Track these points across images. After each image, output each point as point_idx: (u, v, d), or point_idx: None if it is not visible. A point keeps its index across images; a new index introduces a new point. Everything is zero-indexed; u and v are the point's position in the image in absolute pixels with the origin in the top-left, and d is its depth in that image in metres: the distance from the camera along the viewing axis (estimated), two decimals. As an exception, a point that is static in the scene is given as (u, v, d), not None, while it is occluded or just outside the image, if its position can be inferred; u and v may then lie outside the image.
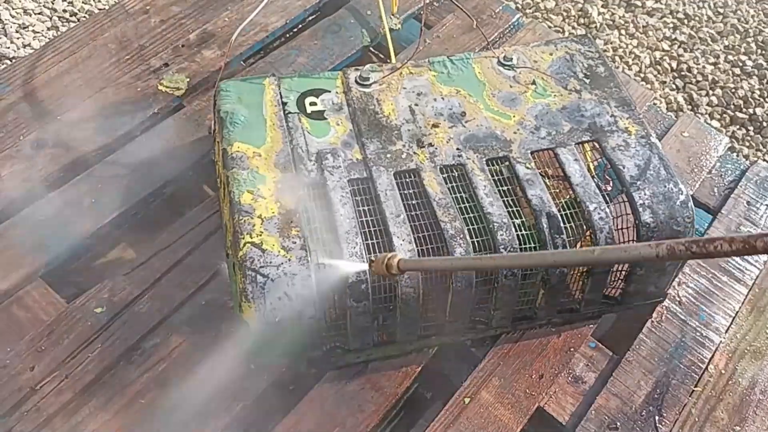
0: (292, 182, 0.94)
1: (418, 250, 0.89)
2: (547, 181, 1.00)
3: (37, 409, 0.93)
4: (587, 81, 1.11)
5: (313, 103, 1.05)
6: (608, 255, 0.62)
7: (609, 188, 1.05)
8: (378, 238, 0.91)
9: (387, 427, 1.02)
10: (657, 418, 0.99)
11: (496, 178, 0.99)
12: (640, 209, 0.95)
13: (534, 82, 1.10)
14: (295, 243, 0.88)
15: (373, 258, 0.82)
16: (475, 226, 0.93)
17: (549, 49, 1.16)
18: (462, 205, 0.95)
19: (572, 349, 1.04)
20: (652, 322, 1.08)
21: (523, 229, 0.93)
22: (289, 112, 1.03)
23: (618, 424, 0.98)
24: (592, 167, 1.06)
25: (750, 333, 1.09)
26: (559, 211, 0.95)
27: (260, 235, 0.88)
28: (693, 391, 1.02)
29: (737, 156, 1.40)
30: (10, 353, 0.97)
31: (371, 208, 0.94)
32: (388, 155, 0.99)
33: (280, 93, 1.05)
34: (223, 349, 0.98)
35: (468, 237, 0.91)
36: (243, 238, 0.88)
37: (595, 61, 1.14)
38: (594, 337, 1.06)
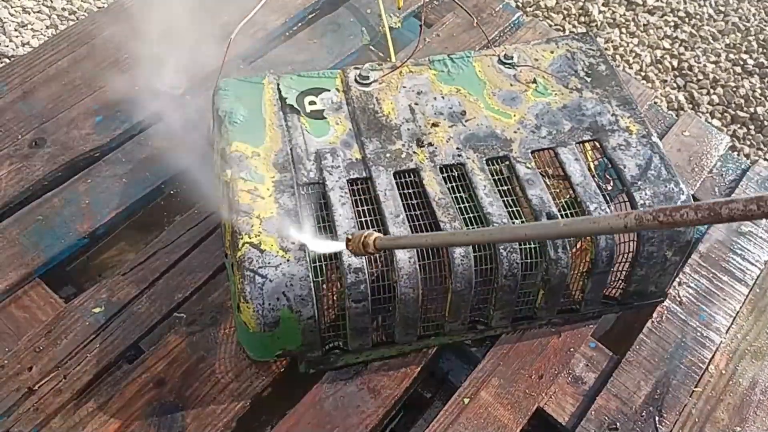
0: (291, 182, 0.94)
1: (417, 251, 0.89)
2: (547, 180, 0.99)
3: (35, 409, 0.92)
4: (588, 79, 1.10)
5: (312, 102, 1.04)
6: (578, 226, 0.61)
7: (609, 188, 1.05)
8: None
9: (386, 427, 1.02)
10: (657, 418, 0.98)
11: (496, 177, 0.98)
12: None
13: (535, 81, 1.10)
14: (293, 243, 0.88)
15: (350, 236, 0.79)
16: (475, 227, 0.92)
17: (550, 47, 1.15)
18: (462, 205, 0.95)
19: (572, 350, 1.03)
20: (653, 322, 1.07)
21: None
22: (288, 112, 1.02)
23: (618, 424, 0.97)
24: (592, 167, 1.06)
25: (750, 333, 1.09)
26: (559, 211, 0.94)
27: (259, 236, 0.88)
28: (693, 391, 1.02)
29: (738, 155, 1.39)
30: (8, 353, 0.97)
31: (370, 208, 0.93)
32: (388, 155, 0.99)
33: (279, 92, 1.05)
34: (222, 348, 0.98)
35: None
36: (241, 239, 0.88)
37: (597, 59, 1.13)
38: (594, 337, 1.05)
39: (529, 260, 0.92)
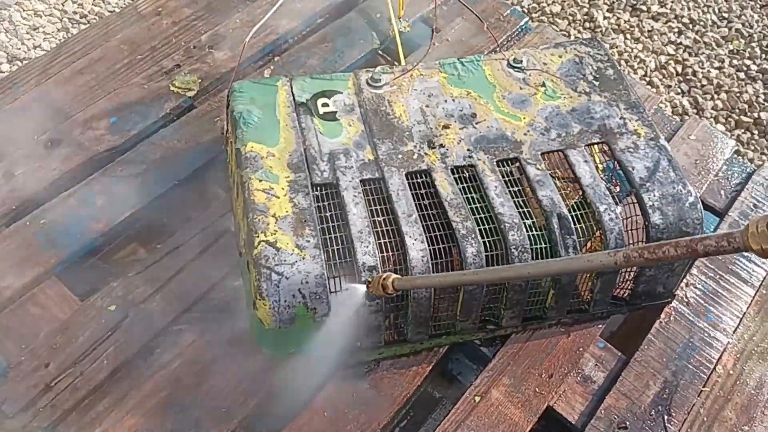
0: (305, 182, 0.95)
1: (430, 249, 0.90)
2: (557, 182, 1.01)
3: (52, 405, 0.94)
4: (596, 83, 1.12)
5: (325, 104, 1.06)
6: (574, 265, 0.70)
7: (617, 190, 1.06)
8: (390, 238, 0.92)
9: (398, 425, 1.03)
10: (666, 417, 1.00)
11: (506, 179, 1.00)
12: (650, 210, 0.96)
13: (544, 84, 1.11)
14: (308, 242, 0.89)
15: (369, 280, 0.88)
16: (487, 227, 0.94)
17: (558, 51, 1.17)
18: (473, 206, 0.96)
19: (581, 349, 1.04)
20: (660, 322, 1.08)
21: (534, 229, 0.94)
22: (302, 113, 1.04)
23: (627, 423, 0.98)
24: (600, 168, 1.07)
25: (757, 334, 1.10)
26: (569, 212, 0.96)
27: (274, 234, 0.89)
28: (701, 391, 1.03)
29: (742, 159, 1.41)
30: (25, 350, 0.98)
31: (383, 207, 0.95)
32: (400, 156, 1.00)
33: (292, 94, 1.06)
34: (236, 346, 0.99)
35: (479, 236, 0.92)
36: (257, 237, 0.89)
37: (604, 63, 1.15)
38: (602, 338, 1.07)
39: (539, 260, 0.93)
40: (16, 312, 1.02)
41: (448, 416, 0.97)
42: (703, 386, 1.03)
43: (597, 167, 1.06)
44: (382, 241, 0.91)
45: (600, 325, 1.07)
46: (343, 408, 0.96)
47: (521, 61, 1.13)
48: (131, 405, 0.95)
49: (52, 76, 1.29)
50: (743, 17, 2.11)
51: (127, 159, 1.19)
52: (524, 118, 1.07)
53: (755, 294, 1.14)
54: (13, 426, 0.91)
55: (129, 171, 1.18)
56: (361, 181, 0.97)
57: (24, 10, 1.84)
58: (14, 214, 1.12)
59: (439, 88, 1.10)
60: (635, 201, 0.98)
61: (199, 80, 1.31)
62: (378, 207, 0.95)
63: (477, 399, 0.99)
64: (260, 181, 0.95)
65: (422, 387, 1.02)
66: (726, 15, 2.11)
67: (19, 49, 1.75)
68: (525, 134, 1.05)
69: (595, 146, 1.06)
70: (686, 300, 1.11)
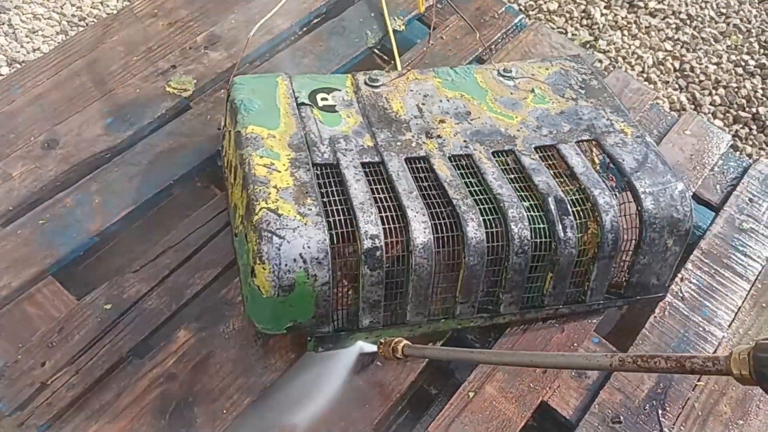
0: (306, 160, 0.96)
1: (432, 224, 0.91)
2: (552, 171, 1.02)
3: (48, 403, 0.94)
4: (582, 91, 1.17)
5: (324, 99, 1.08)
6: (575, 360, 0.78)
7: (613, 185, 1.07)
8: (392, 212, 0.92)
9: (393, 421, 1.04)
10: (660, 412, 1.00)
11: (503, 167, 1.02)
12: (642, 196, 0.99)
13: (533, 90, 1.16)
14: (311, 210, 0.90)
15: (382, 341, 0.94)
16: (487, 206, 0.95)
17: (545, 65, 1.22)
18: (472, 189, 0.98)
19: (575, 344, 1.05)
20: (655, 317, 1.09)
21: (532, 210, 0.96)
22: (302, 103, 1.06)
23: (622, 418, 0.98)
24: (597, 163, 1.08)
25: (752, 328, 1.10)
26: (565, 197, 0.97)
27: (276, 202, 0.90)
28: (696, 385, 1.03)
29: (740, 155, 1.41)
30: (21, 349, 0.99)
31: (384, 186, 0.96)
32: (398, 143, 1.02)
33: (292, 89, 1.08)
34: (232, 344, 1.00)
35: (479, 214, 0.93)
36: (258, 204, 0.89)
37: (588, 76, 1.21)
38: (597, 333, 1.07)
39: (539, 240, 0.95)
40: (13, 311, 1.02)
41: (442, 411, 0.97)
42: (698, 380, 1.03)
43: (594, 161, 1.08)
44: (384, 214, 0.92)
45: (594, 321, 1.07)
46: (336, 404, 0.97)
47: (510, 71, 1.19)
48: (127, 402, 0.96)
49: (49, 78, 1.30)
50: (741, 12, 2.10)
51: (123, 159, 1.20)
52: (516, 117, 1.10)
53: (750, 288, 1.14)
54: (9, 424, 0.92)
55: (125, 171, 1.18)
56: (361, 163, 0.98)
57: (23, 14, 1.85)
58: (11, 215, 1.12)
59: (434, 90, 1.14)
60: (628, 189, 0.99)
61: (195, 81, 1.32)
62: (379, 186, 0.97)
63: (471, 394, 0.99)
64: (261, 157, 0.96)
65: (417, 383, 1.02)
66: (724, 10, 2.11)
67: (18, 52, 1.77)
68: (518, 130, 1.08)
69: (590, 148, 1.08)
70: (681, 295, 1.11)
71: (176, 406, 0.95)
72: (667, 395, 1.01)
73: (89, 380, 0.96)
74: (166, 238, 1.11)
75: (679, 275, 1.13)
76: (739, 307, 1.11)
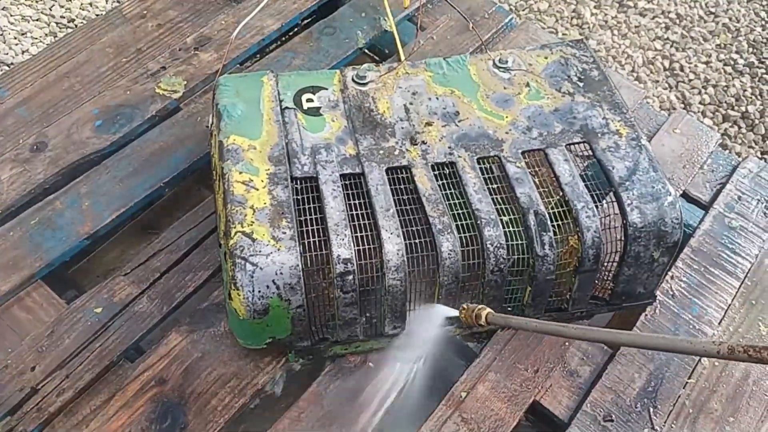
0: (285, 175, 0.96)
1: (406, 243, 0.91)
2: (536, 180, 1.01)
3: (38, 408, 0.94)
4: (581, 84, 1.13)
5: (309, 100, 1.07)
6: (678, 344, 0.68)
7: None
8: (367, 231, 0.92)
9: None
10: (651, 410, 1.00)
11: (486, 176, 1.01)
12: (628, 209, 0.97)
13: (528, 85, 1.12)
14: (285, 233, 0.90)
15: (465, 306, 0.91)
16: (464, 222, 0.94)
17: (544, 53, 1.18)
18: (452, 201, 0.97)
19: (567, 344, 1.05)
20: (646, 315, 1.09)
21: (511, 226, 0.95)
22: (286, 107, 1.05)
23: (613, 416, 0.99)
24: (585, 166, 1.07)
25: (743, 325, 1.11)
26: (547, 209, 0.96)
27: (251, 225, 0.90)
28: (687, 383, 1.03)
29: (730, 153, 1.41)
30: (11, 353, 0.98)
31: (362, 202, 0.96)
32: (381, 151, 1.01)
33: (278, 89, 1.07)
34: (223, 346, 1.00)
35: (456, 232, 0.93)
36: (234, 227, 0.90)
37: (590, 65, 1.16)
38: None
39: (516, 256, 0.94)
40: (2, 316, 1.02)
41: (434, 412, 0.97)
42: (689, 378, 1.04)
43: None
44: (358, 234, 0.92)
45: (585, 321, 1.07)
46: (331, 405, 0.96)
47: (507, 62, 1.15)
48: (118, 406, 0.95)
49: (38, 80, 1.30)
50: (730, 12, 2.12)
51: (113, 161, 1.19)
52: (507, 117, 1.08)
53: (740, 286, 1.14)
54: (-1, 429, 0.92)
55: (115, 173, 1.18)
56: (341, 175, 0.98)
57: (11, 15, 1.84)
58: (0, 219, 1.12)
59: (424, 86, 1.11)
60: (614, 200, 0.98)
61: (185, 82, 1.31)
62: (357, 201, 0.96)
63: (464, 395, 0.99)
64: (240, 173, 0.96)
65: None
66: (713, 10, 2.12)
67: (7, 54, 1.75)
68: (506, 133, 1.05)
69: (576, 147, 1.07)
70: (671, 292, 1.12)
71: (168, 409, 0.95)
72: (659, 393, 1.02)
73: (80, 384, 0.96)
74: (156, 240, 1.11)
75: (669, 273, 1.14)
76: (729, 305, 1.12)
